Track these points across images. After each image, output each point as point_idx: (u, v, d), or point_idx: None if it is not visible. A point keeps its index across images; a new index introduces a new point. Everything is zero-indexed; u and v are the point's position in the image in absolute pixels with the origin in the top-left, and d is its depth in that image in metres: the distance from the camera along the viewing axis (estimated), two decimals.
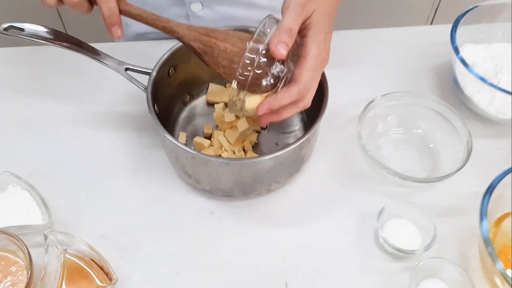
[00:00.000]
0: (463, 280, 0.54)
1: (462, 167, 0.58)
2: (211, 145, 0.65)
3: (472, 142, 0.60)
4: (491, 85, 0.61)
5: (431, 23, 1.51)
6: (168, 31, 0.53)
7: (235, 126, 0.64)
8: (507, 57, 0.67)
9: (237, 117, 0.64)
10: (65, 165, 0.65)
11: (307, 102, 0.53)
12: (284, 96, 0.51)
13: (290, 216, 0.61)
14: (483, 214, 0.51)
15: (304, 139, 0.55)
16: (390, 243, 0.56)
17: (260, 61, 0.49)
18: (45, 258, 0.54)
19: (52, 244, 0.55)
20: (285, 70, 0.51)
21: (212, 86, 0.70)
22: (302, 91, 0.51)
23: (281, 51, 0.48)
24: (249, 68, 0.49)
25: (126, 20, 0.79)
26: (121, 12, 0.52)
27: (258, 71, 0.50)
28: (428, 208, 0.58)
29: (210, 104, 0.70)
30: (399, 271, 0.57)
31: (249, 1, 0.76)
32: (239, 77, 0.50)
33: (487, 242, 0.49)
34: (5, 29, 0.59)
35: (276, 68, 0.50)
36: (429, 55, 0.76)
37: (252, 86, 0.51)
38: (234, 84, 0.51)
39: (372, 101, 0.63)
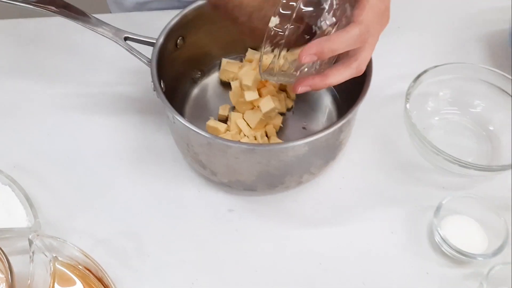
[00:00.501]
0: None
1: None
2: (227, 129, 0.55)
3: None
4: None
5: None
6: None
7: (257, 107, 0.53)
8: None
9: (260, 94, 0.54)
10: (54, 157, 0.56)
11: (361, 63, 0.41)
12: (340, 36, 0.39)
13: (325, 213, 0.51)
14: None
15: (345, 120, 0.45)
16: (450, 244, 0.46)
17: (302, 7, 0.39)
18: (30, 268, 0.45)
19: (38, 251, 0.46)
20: (338, 16, 0.40)
21: (225, 62, 0.60)
22: (364, 34, 0.39)
23: None
24: (288, 15, 0.39)
25: None
26: None
27: (302, 20, 0.39)
28: (493, 203, 0.48)
29: (224, 82, 0.60)
30: (461, 279, 0.47)
31: None
32: (275, 29, 0.40)
33: None
34: None
35: (326, 16, 0.40)
36: (477, 22, 0.66)
37: (294, 40, 0.40)
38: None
39: (421, 75, 0.53)
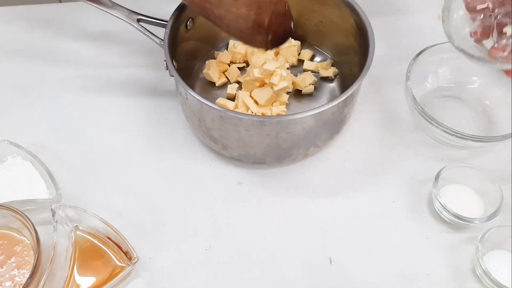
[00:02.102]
0: None
1: None
2: (235, 108, 0.57)
3: None
4: None
5: None
6: None
7: (266, 84, 0.56)
8: None
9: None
10: (70, 135, 0.58)
11: None
12: None
13: (331, 185, 0.54)
14: None
15: (348, 93, 0.48)
16: (449, 210, 0.49)
17: None
18: (53, 237, 0.48)
19: (61, 221, 0.49)
20: None
21: (233, 44, 0.62)
22: None
23: None
24: None
25: None
26: None
27: None
28: (489, 173, 0.51)
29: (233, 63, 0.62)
30: (458, 243, 0.50)
31: None
32: None
33: None
34: None
35: None
36: None
37: None
38: None
39: (420, 53, 0.56)
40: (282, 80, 0.55)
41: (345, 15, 0.55)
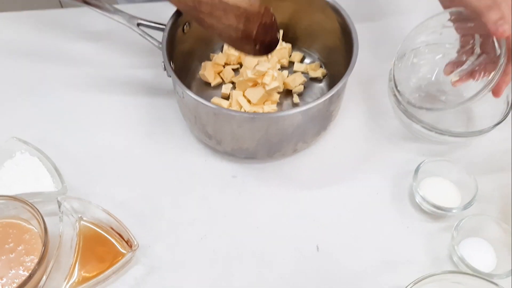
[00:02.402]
0: (507, 238, 0.50)
1: (503, 120, 0.55)
2: (229, 106, 0.61)
3: None
4: None
5: None
6: None
7: (259, 83, 0.59)
8: None
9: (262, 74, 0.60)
10: (75, 132, 0.62)
11: None
12: None
13: (318, 178, 0.58)
14: None
15: (333, 91, 0.51)
16: (428, 201, 0.52)
17: None
18: (59, 227, 0.51)
19: (66, 212, 0.52)
20: None
21: (227, 46, 0.66)
22: None
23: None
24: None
25: None
26: None
27: None
28: (466, 166, 0.54)
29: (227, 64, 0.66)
30: (437, 232, 0.54)
31: None
32: None
33: None
34: None
35: None
36: None
37: None
38: None
39: (404, 55, 0.59)
40: (274, 80, 0.59)
41: (330, 18, 0.58)
